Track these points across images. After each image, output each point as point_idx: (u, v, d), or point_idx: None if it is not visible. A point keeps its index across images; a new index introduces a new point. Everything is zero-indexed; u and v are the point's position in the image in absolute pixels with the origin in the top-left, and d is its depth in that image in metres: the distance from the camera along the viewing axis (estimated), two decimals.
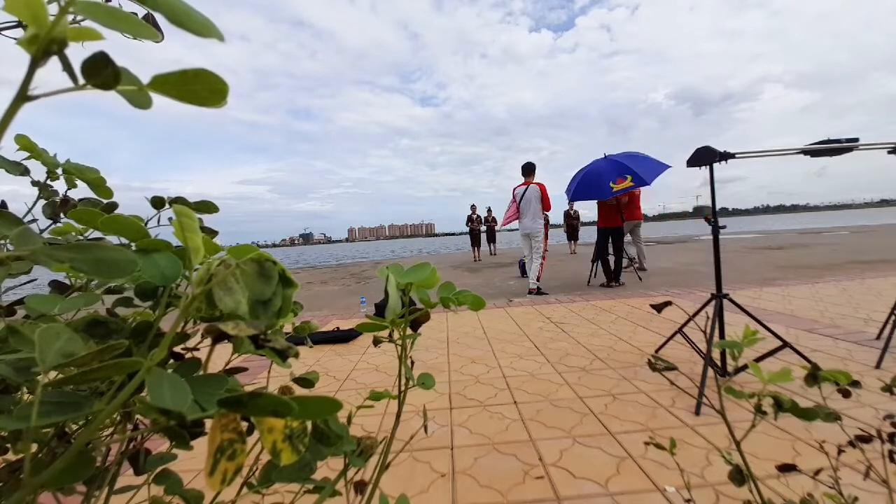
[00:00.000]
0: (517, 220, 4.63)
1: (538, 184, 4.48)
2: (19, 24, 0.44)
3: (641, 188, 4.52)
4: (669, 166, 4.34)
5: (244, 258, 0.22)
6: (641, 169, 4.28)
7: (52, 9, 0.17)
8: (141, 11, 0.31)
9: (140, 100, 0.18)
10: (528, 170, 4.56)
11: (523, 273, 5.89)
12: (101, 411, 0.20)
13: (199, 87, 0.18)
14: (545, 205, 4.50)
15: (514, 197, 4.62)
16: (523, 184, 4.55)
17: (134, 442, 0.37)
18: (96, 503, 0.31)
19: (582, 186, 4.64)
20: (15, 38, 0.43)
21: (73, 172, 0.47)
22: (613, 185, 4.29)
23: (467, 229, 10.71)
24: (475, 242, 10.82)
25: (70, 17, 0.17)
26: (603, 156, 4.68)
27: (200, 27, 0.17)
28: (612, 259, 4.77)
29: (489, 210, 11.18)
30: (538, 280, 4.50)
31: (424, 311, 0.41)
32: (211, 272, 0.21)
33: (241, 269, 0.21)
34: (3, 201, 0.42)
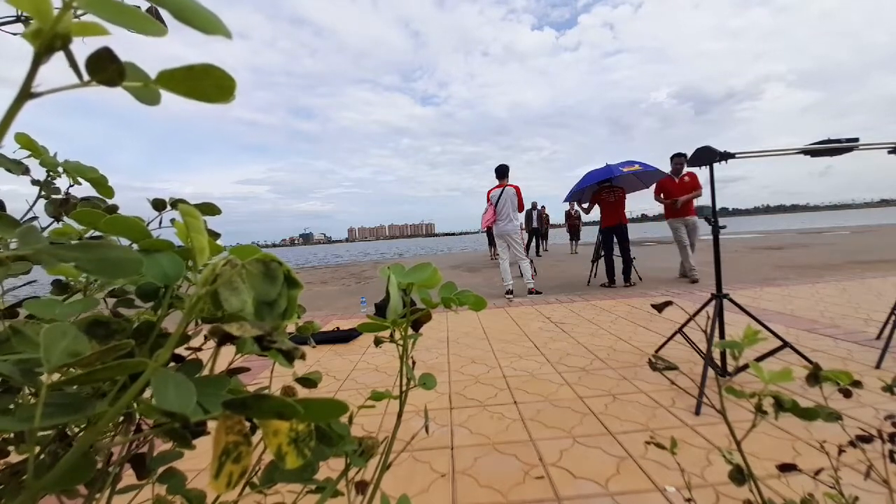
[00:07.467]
0: (495, 224, 4.60)
1: (514, 186, 4.47)
2: (19, 19, 0.44)
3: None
4: (666, 174, 4.81)
5: (249, 259, 0.22)
6: (644, 164, 4.70)
7: (56, 3, 0.16)
8: (144, 5, 0.31)
9: (147, 96, 0.18)
10: (503, 172, 4.53)
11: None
12: (105, 413, 0.20)
13: (207, 84, 0.18)
14: (519, 206, 4.50)
15: (489, 200, 4.57)
16: (498, 186, 4.50)
17: (137, 442, 0.37)
18: None
19: (586, 178, 4.89)
20: (14, 34, 0.43)
21: (73, 172, 0.47)
22: (623, 168, 4.62)
23: (473, 229, 10.73)
24: (493, 241, 10.96)
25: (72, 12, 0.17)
26: (605, 165, 4.89)
27: (206, 23, 0.17)
28: (617, 259, 4.77)
29: None
30: (532, 279, 4.56)
31: (426, 312, 0.41)
32: (216, 272, 0.21)
33: (247, 269, 0.21)
34: (1, 202, 0.41)
